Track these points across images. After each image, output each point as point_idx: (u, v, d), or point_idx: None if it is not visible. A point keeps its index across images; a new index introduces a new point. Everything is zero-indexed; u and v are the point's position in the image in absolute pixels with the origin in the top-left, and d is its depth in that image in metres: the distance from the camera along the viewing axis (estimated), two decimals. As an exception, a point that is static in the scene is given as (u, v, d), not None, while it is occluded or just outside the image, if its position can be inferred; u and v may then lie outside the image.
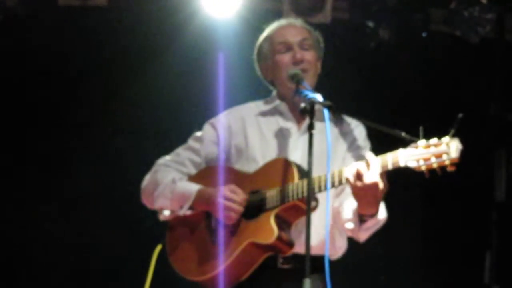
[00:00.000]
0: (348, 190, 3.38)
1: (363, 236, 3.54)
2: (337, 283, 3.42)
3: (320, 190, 3.36)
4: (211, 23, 5.81)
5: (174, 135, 4.40)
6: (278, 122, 3.75)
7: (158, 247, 3.73)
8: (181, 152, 3.82)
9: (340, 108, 3.46)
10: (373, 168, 3.21)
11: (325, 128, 3.20)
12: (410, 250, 6.21)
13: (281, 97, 3.79)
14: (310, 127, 3.22)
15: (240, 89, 4.82)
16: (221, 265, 3.50)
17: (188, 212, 3.64)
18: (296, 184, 3.42)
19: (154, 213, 3.80)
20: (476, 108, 5.92)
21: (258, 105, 3.84)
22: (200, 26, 5.81)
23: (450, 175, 3.08)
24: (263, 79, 3.88)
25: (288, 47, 3.74)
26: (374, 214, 3.41)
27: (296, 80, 3.54)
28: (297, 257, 3.43)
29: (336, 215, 3.57)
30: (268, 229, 3.42)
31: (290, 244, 3.45)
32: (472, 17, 5.90)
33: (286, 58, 3.72)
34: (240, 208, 3.50)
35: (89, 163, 6.04)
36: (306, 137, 3.25)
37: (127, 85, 6.07)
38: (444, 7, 6.02)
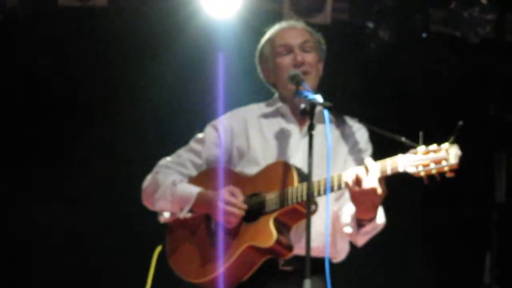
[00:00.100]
0: (347, 194, 3.38)
1: (361, 240, 3.55)
2: (339, 285, 3.44)
3: (319, 194, 3.37)
4: (211, 24, 5.80)
5: (174, 135, 4.41)
6: (280, 124, 3.76)
7: (158, 248, 3.74)
8: (182, 153, 3.83)
9: (340, 109, 3.47)
10: (372, 173, 3.22)
11: (326, 130, 3.21)
12: (410, 251, 6.21)
13: (283, 99, 3.80)
14: (310, 127, 3.22)
15: (240, 90, 4.83)
16: (220, 268, 3.51)
17: (188, 215, 3.65)
18: (296, 187, 3.42)
19: (154, 215, 3.81)
20: (476, 109, 5.93)
21: (260, 107, 3.85)
22: (200, 26, 5.80)
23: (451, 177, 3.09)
24: (265, 81, 3.89)
25: (289, 49, 3.74)
26: (372, 219, 3.42)
27: (296, 81, 3.54)
28: (298, 259, 3.43)
29: (335, 219, 3.57)
30: (267, 233, 3.42)
31: (289, 248, 3.45)
32: (472, 18, 5.89)
33: (287, 60, 3.73)
34: (240, 212, 3.51)
35: (89, 163, 6.04)
36: (307, 139, 3.24)
37: (127, 86, 6.08)
38: (444, 7, 6.01)
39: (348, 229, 3.49)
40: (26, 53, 5.98)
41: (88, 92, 6.10)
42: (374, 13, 5.96)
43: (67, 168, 6.02)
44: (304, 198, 3.32)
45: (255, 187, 3.57)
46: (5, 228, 5.96)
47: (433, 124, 3.10)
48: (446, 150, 3.04)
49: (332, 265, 3.62)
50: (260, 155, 3.68)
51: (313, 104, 3.30)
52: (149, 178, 3.80)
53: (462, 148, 3.06)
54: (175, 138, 4.02)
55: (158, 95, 6.01)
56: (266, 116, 3.80)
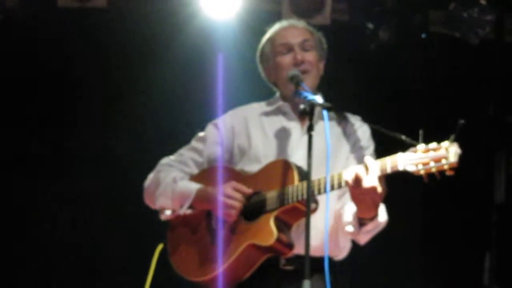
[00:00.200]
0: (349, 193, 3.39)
1: (363, 239, 3.55)
2: (341, 283, 3.44)
3: (319, 193, 3.37)
4: (211, 25, 5.81)
5: (173, 135, 4.41)
6: (281, 122, 3.76)
7: (159, 247, 3.74)
8: (184, 152, 3.84)
9: (341, 108, 3.47)
10: (372, 172, 3.22)
11: (325, 131, 3.21)
12: (410, 251, 6.21)
13: (284, 98, 3.80)
14: (309, 129, 3.22)
15: (240, 90, 4.83)
16: (221, 266, 3.51)
17: (189, 211, 3.65)
18: (296, 186, 3.43)
19: (154, 213, 3.81)
20: (476, 110, 5.93)
21: (261, 106, 3.86)
22: (200, 27, 5.81)
23: (450, 176, 3.09)
24: (266, 80, 3.89)
25: (289, 49, 3.75)
26: (373, 218, 3.42)
27: (296, 81, 3.54)
28: (299, 258, 3.43)
29: (338, 217, 3.58)
30: (267, 231, 3.42)
31: (290, 246, 3.46)
32: (471, 19, 5.89)
33: (287, 59, 3.74)
34: (239, 205, 3.51)
35: (89, 163, 6.04)
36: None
37: (126, 86, 6.08)
38: (443, 8, 6.02)
39: (350, 228, 3.49)
40: (26, 54, 5.98)
41: (88, 93, 6.10)
42: (374, 13, 5.96)
43: (67, 168, 6.02)
44: (305, 196, 3.31)
45: (256, 185, 3.57)
46: (5, 228, 5.96)
47: (433, 125, 3.09)
48: (446, 149, 3.05)
49: (334, 262, 3.63)
50: (261, 153, 3.68)
51: (312, 105, 3.30)
52: (151, 177, 3.81)
53: (461, 148, 3.06)
54: (175, 138, 4.03)
55: (158, 95, 6.01)
56: (267, 114, 3.81)
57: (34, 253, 5.99)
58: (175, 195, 3.66)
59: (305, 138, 3.56)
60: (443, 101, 6.05)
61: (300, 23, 3.88)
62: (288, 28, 3.83)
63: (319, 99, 3.35)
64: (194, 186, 3.65)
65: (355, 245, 3.70)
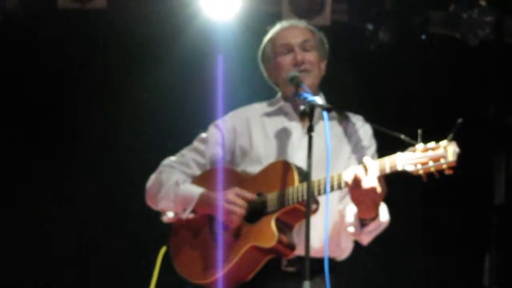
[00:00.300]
0: None
1: (365, 239, 3.55)
2: (343, 284, 3.44)
3: (319, 194, 3.37)
4: (211, 26, 5.81)
5: (173, 136, 4.42)
6: (282, 122, 3.76)
7: (163, 249, 3.74)
8: (186, 153, 3.83)
9: (341, 108, 3.47)
10: (371, 173, 3.22)
11: (325, 133, 3.21)
12: (410, 252, 6.21)
13: (285, 98, 3.80)
14: (309, 130, 3.21)
15: (240, 91, 4.84)
16: (224, 268, 3.51)
17: (191, 215, 3.66)
18: (296, 187, 3.43)
19: (156, 214, 3.81)
20: (476, 111, 5.93)
21: (263, 106, 3.85)
22: (200, 28, 5.81)
23: (450, 177, 3.09)
24: (268, 80, 3.89)
25: (289, 49, 3.74)
26: (374, 218, 3.42)
27: (295, 82, 3.54)
28: (301, 259, 3.40)
29: (341, 218, 3.58)
30: (268, 233, 3.43)
31: (292, 247, 3.46)
32: (471, 20, 5.89)
33: (287, 59, 3.73)
34: (242, 211, 3.51)
35: (89, 163, 6.04)
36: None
37: (126, 87, 6.08)
38: (443, 9, 6.02)
39: (351, 229, 3.49)
40: (26, 55, 5.99)
41: (87, 94, 6.10)
42: (374, 14, 5.97)
43: (67, 168, 6.02)
44: (305, 197, 3.31)
45: (256, 187, 3.57)
46: (5, 228, 5.96)
47: (433, 126, 3.09)
48: (445, 148, 3.04)
49: (336, 263, 3.64)
50: (263, 154, 3.68)
51: (312, 106, 3.29)
52: (152, 178, 3.80)
53: (461, 149, 3.06)
54: (174, 139, 4.03)
55: (158, 96, 6.01)
56: (268, 115, 3.80)
57: (34, 253, 5.99)
58: (178, 199, 3.66)
59: (306, 138, 3.55)
60: (442, 102, 6.05)
61: (301, 23, 3.87)
62: (288, 28, 3.82)
63: (319, 100, 3.35)
64: (197, 191, 3.65)
65: (355, 245, 3.70)
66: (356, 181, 3.24)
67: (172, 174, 3.73)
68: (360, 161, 3.37)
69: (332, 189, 3.34)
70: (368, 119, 3.79)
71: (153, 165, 3.87)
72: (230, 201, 3.52)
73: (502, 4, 5.95)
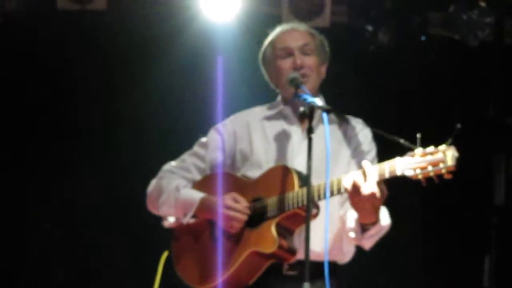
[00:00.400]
0: None
1: (367, 243, 3.56)
2: (345, 287, 3.44)
3: (319, 199, 3.38)
4: (210, 27, 5.80)
5: (173, 138, 4.42)
6: (282, 126, 3.76)
7: (165, 254, 3.74)
8: (186, 158, 3.83)
9: (341, 110, 3.48)
10: (370, 178, 3.22)
11: (325, 135, 3.21)
12: (410, 254, 6.21)
13: (285, 101, 3.80)
14: (309, 131, 3.21)
15: (239, 93, 4.85)
16: (225, 274, 3.52)
17: (192, 220, 3.66)
18: (296, 192, 3.43)
19: (155, 217, 3.82)
20: (475, 112, 5.93)
21: (263, 110, 3.85)
22: (199, 29, 5.81)
23: (450, 178, 3.09)
24: (269, 82, 3.89)
25: (289, 52, 3.74)
26: (375, 222, 3.42)
27: (295, 84, 3.52)
28: (302, 263, 3.40)
29: (342, 223, 3.58)
30: (269, 238, 3.43)
31: (292, 252, 3.47)
32: (471, 21, 5.89)
33: (286, 63, 3.73)
34: (243, 217, 3.52)
35: (89, 163, 6.04)
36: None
37: (126, 88, 6.08)
38: (443, 10, 6.02)
39: (353, 234, 3.50)
40: (26, 56, 5.99)
41: (87, 95, 6.11)
42: (373, 16, 5.96)
43: (67, 168, 6.03)
44: (305, 202, 3.31)
45: (257, 191, 3.57)
46: (5, 228, 5.97)
47: (433, 127, 3.10)
48: (443, 152, 3.04)
49: (338, 266, 3.65)
50: (263, 158, 3.68)
51: (312, 107, 3.29)
52: (153, 183, 3.81)
53: (461, 151, 3.06)
54: (174, 141, 4.04)
55: (158, 97, 6.01)
56: (268, 118, 3.80)
57: (34, 253, 6.00)
58: (178, 204, 3.67)
59: (306, 142, 3.56)
60: (442, 103, 6.05)
61: (302, 26, 3.86)
62: (289, 32, 3.82)
63: (319, 101, 3.34)
64: (197, 195, 3.65)
65: (356, 249, 3.70)
66: (356, 188, 3.24)
67: (173, 179, 3.74)
68: (359, 166, 3.37)
69: (332, 194, 3.34)
70: (367, 120, 3.79)
71: (153, 165, 3.87)
72: (229, 207, 3.52)
73: (501, 5, 5.95)
